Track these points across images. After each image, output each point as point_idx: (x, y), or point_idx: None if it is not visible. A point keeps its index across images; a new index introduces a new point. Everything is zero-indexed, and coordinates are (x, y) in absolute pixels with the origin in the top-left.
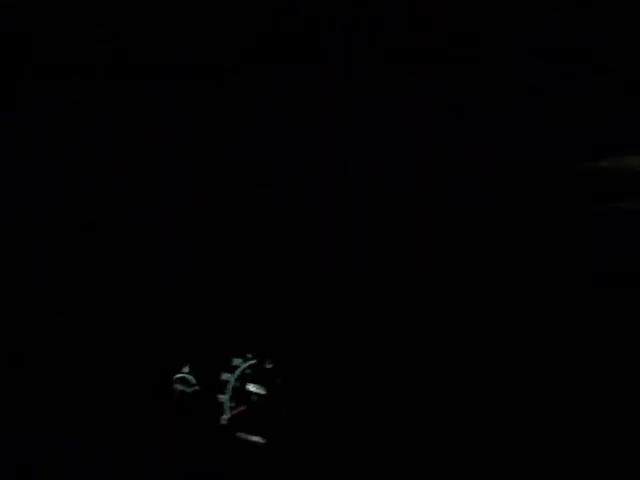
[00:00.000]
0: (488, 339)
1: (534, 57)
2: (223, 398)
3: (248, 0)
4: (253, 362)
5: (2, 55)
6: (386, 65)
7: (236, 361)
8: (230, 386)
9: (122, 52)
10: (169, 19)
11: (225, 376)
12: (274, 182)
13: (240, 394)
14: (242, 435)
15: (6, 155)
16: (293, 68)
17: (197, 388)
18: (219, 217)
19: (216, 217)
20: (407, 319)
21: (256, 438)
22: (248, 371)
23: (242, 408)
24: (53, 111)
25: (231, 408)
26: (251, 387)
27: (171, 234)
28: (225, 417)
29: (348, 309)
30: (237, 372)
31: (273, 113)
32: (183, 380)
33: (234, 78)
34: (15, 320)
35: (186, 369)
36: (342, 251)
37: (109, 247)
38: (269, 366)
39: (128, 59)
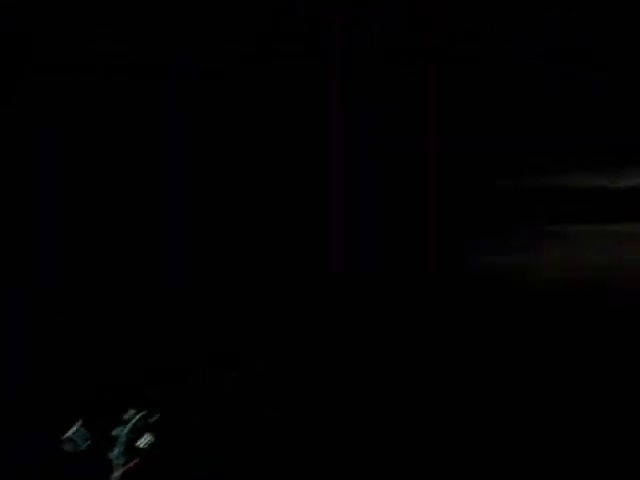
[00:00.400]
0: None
1: (534, 57)
2: (114, 454)
3: (248, 0)
4: (144, 413)
5: (2, 55)
6: (386, 65)
7: (127, 414)
8: (121, 441)
9: (122, 52)
10: (169, 19)
11: (116, 431)
12: (274, 181)
13: (132, 448)
14: None
15: (6, 154)
16: (293, 68)
17: (87, 446)
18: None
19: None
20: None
21: None
22: (139, 423)
23: (134, 462)
24: (53, 111)
25: (123, 463)
26: (143, 439)
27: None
28: (117, 474)
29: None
30: (128, 426)
31: (273, 113)
32: (72, 440)
33: (234, 78)
34: None
35: (75, 427)
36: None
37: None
38: (159, 417)
39: (128, 59)
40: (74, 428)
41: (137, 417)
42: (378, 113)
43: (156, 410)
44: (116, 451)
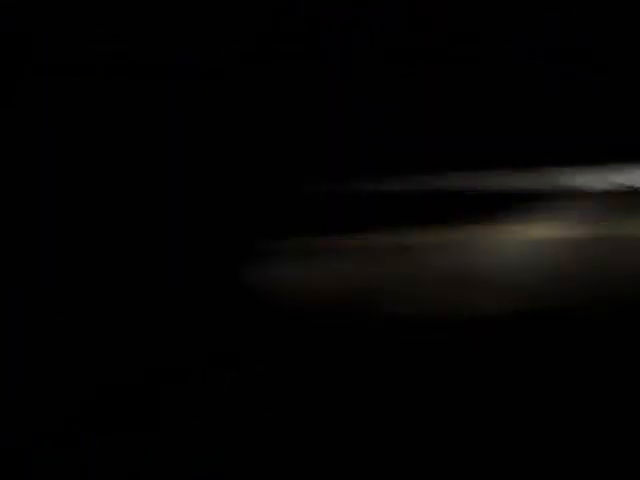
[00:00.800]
0: None
1: (534, 57)
2: None
3: (248, 0)
4: None
5: (2, 55)
6: (386, 65)
7: None
8: None
9: (122, 52)
10: (169, 19)
11: None
12: (273, 181)
13: None
14: None
15: (6, 154)
16: (293, 68)
17: None
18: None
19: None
20: None
21: None
22: None
23: None
24: (53, 111)
25: None
26: None
27: None
28: None
29: None
30: None
31: (273, 113)
32: None
33: (234, 78)
34: None
35: None
36: None
37: None
38: None
39: (128, 59)
40: None
41: None
42: (377, 113)
43: None
44: None
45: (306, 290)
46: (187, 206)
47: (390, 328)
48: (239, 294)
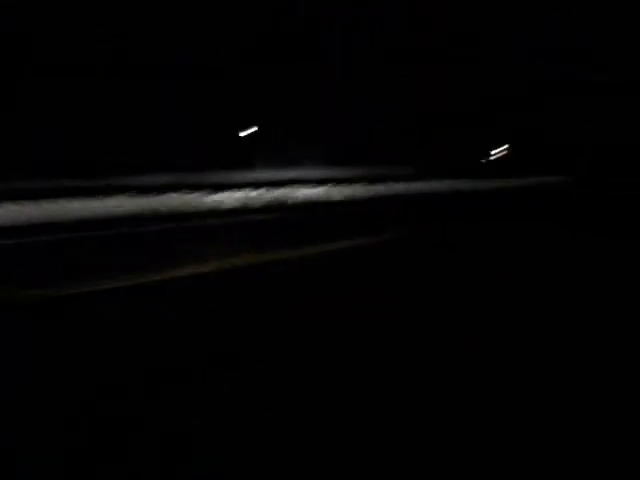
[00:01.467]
0: None
1: (534, 57)
2: None
3: (248, 0)
4: None
5: (2, 55)
6: (386, 65)
7: None
8: None
9: (122, 52)
10: (169, 19)
11: None
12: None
13: None
14: None
15: (6, 154)
16: (293, 68)
17: None
18: None
19: None
20: None
21: None
22: None
23: None
24: (53, 111)
25: None
26: None
27: None
28: None
29: None
30: None
31: (273, 113)
32: None
33: (234, 78)
34: None
35: None
36: None
37: None
38: None
39: (128, 59)
40: None
41: None
42: (377, 112)
43: None
44: None
45: None
46: None
47: None
48: None
